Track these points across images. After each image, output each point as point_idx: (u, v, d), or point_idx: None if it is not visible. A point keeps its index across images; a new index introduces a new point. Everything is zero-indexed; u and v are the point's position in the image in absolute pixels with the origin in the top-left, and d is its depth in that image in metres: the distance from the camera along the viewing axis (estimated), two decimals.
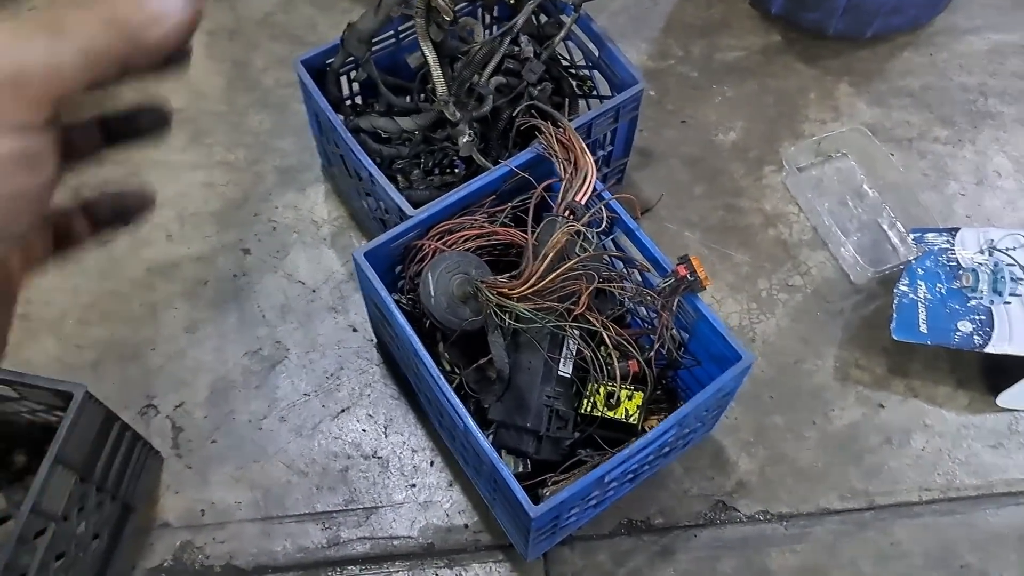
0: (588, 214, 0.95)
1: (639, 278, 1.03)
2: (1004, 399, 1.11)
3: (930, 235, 1.18)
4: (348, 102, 1.22)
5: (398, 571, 1.05)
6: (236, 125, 1.37)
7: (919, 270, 1.14)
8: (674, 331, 1.01)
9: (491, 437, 0.98)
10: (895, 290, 1.13)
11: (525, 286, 0.91)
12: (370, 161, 1.06)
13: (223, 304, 1.21)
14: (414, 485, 1.10)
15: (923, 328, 1.10)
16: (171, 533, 1.07)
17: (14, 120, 0.26)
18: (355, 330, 1.20)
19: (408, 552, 1.06)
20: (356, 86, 1.21)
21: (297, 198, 1.30)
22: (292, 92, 1.39)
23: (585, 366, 0.98)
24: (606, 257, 1.03)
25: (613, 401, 0.97)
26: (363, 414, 1.14)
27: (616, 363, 0.97)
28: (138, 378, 1.15)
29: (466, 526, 1.08)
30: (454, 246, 1.02)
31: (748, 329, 1.19)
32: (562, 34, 1.15)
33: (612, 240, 1.05)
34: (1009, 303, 1.09)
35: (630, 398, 0.97)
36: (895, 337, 1.09)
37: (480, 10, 1.23)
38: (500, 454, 0.98)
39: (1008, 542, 1.05)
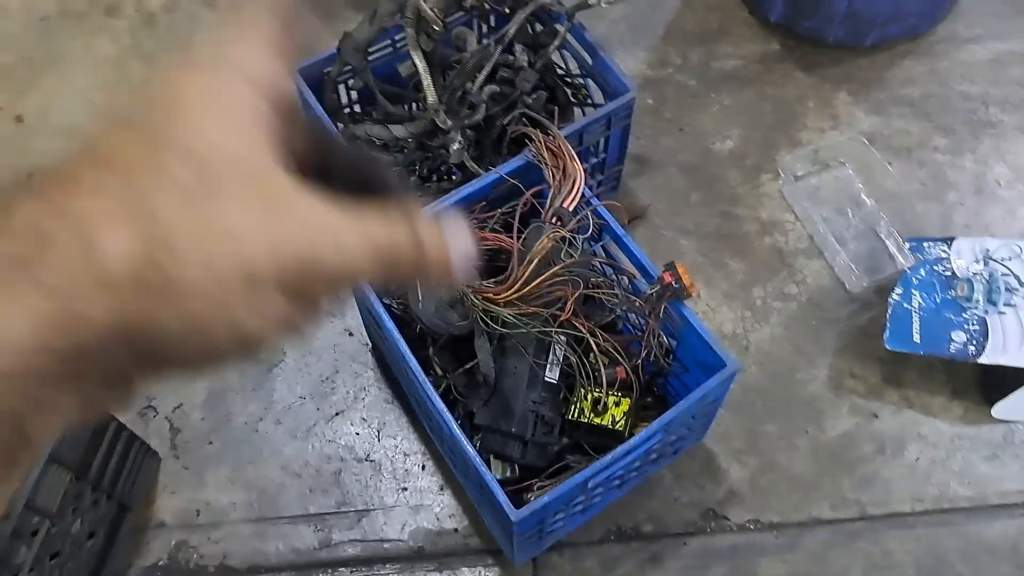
0: (574, 221, 0.96)
1: (629, 285, 1.04)
2: (999, 410, 1.10)
3: (926, 244, 1.17)
4: (347, 110, 1.24)
5: (388, 574, 1.06)
6: None
7: (914, 279, 1.14)
8: (663, 338, 1.01)
9: (478, 442, 0.99)
10: (889, 299, 1.13)
11: (510, 291, 0.92)
12: None
13: None
14: (406, 488, 1.11)
15: (917, 338, 1.09)
16: (167, 532, 1.09)
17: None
18: (351, 334, 1.21)
19: (399, 555, 1.07)
20: (355, 94, 1.23)
21: None
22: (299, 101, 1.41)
23: (572, 372, 0.98)
24: (596, 264, 1.04)
25: (600, 407, 0.97)
26: (357, 417, 1.16)
27: (603, 369, 0.97)
28: None
29: (456, 530, 1.09)
30: None
31: (742, 337, 1.19)
32: (556, 43, 1.16)
33: (602, 247, 1.06)
34: (1004, 313, 1.08)
35: (617, 404, 0.98)
36: (888, 346, 1.09)
37: (476, 20, 1.24)
38: (489, 459, 0.99)
39: (1002, 554, 1.04)
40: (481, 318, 0.94)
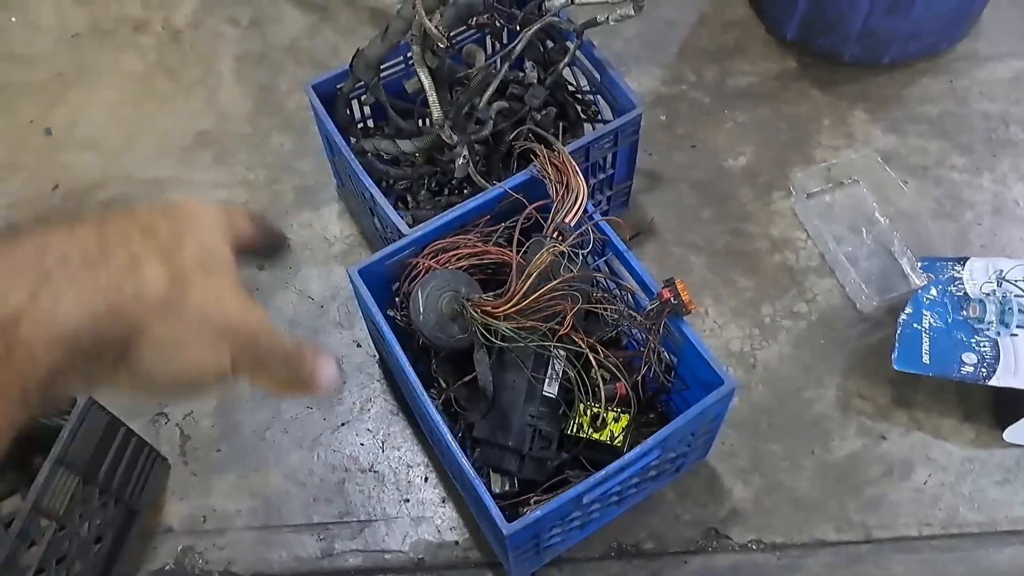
0: (574, 235, 0.96)
1: (631, 300, 1.04)
2: (1011, 434, 1.07)
3: (939, 264, 1.15)
4: (360, 125, 1.26)
5: None
6: (258, 146, 1.42)
7: (925, 299, 1.12)
8: (664, 355, 1.01)
9: (477, 455, 0.99)
10: (899, 319, 1.11)
11: (508, 305, 0.92)
12: (371, 181, 1.10)
13: None
14: (408, 500, 1.12)
15: (926, 359, 1.07)
16: (173, 538, 1.11)
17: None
18: (359, 345, 1.23)
19: (400, 566, 1.08)
20: (367, 110, 1.25)
21: (312, 216, 1.35)
22: (313, 115, 1.44)
23: (572, 387, 0.98)
24: (599, 279, 1.04)
25: (599, 423, 0.97)
26: (362, 428, 1.17)
27: (602, 385, 0.97)
28: None
29: (457, 543, 1.09)
30: (448, 265, 1.04)
31: (749, 355, 1.18)
32: (566, 60, 1.17)
33: (605, 262, 1.06)
34: (1016, 335, 1.06)
35: (617, 420, 0.97)
36: (896, 367, 1.07)
37: (488, 38, 1.26)
38: (488, 472, 0.99)
39: None
40: (480, 331, 0.95)
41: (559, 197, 1.03)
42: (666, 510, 1.08)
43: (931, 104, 1.39)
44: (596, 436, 0.97)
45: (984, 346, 1.06)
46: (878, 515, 1.06)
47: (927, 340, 1.09)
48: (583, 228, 0.99)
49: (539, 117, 1.17)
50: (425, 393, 0.94)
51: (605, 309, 0.99)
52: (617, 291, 1.04)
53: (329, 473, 1.13)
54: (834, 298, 1.22)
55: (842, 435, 1.12)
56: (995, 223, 1.26)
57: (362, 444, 1.16)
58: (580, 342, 0.96)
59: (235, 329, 0.37)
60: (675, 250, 1.28)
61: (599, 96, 1.22)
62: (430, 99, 1.06)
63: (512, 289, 0.93)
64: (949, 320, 1.10)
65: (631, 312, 0.99)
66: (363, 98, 1.23)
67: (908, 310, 1.11)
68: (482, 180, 1.13)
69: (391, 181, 1.22)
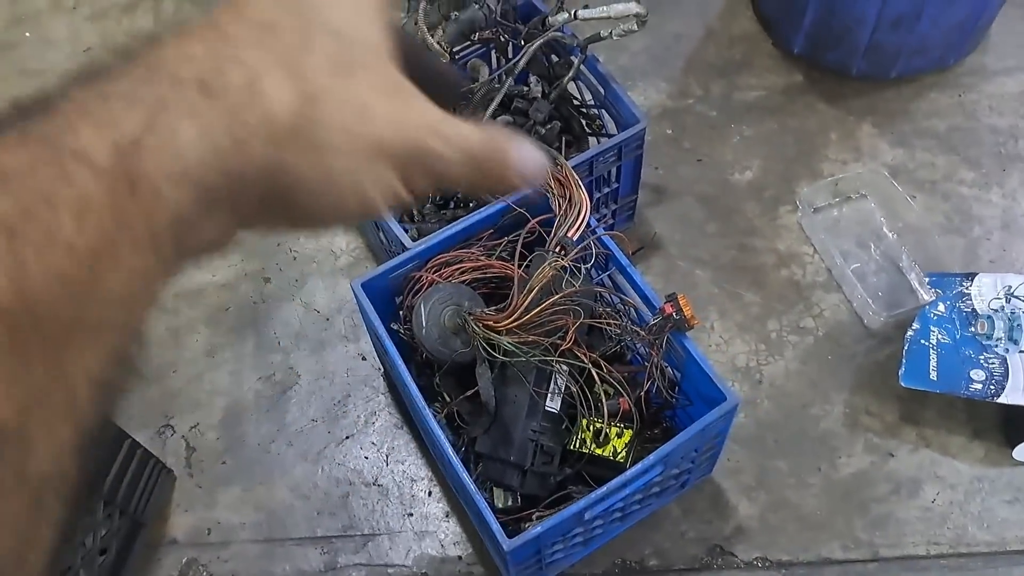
0: (576, 250, 0.96)
1: (635, 315, 1.03)
2: (1021, 452, 1.06)
3: (947, 279, 1.15)
4: None
5: None
6: None
7: (932, 315, 1.11)
8: (667, 370, 1.00)
9: (479, 469, 0.99)
10: (906, 335, 1.10)
11: (510, 319, 0.92)
12: None
13: (242, 330, 1.26)
14: (412, 514, 1.11)
15: (933, 375, 1.06)
16: (178, 550, 1.11)
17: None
18: (364, 358, 1.23)
19: None
20: None
21: None
22: None
23: (574, 402, 0.98)
24: (603, 294, 1.04)
25: (602, 438, 0.97)
26: (367, 441, 1.17)
27: (605, 400, 0.97)
28: (158, 399, 1.20)
29: (460, 558, 1.09)
30: (451, 278, 1.04)
31: (755, 371, 1.18)
32: (570, 75, 1.17)
33: (609, 277, 1.06)
34: None
35: (620, 436, 0.97)
36: (903, 383, 1.06)
37: (492, 52, 1.26)
38: (490, 487, 0.99)
39: None
40: (482, 346, 0.95)
41: (562, 211, 1.03)
42: (671, 526, 1.08)
43: (939, 118, 1.38)
44: (599, 451, 0.97)
45: (992, 363, 1.05)
46: (886, 533, 1.05)
47: (935, 356, 1.08)
48: (585, 243, 0.98)
49: (543, 131, 1.17)
50: (427, 407, 0.94)
51: (608, 324, 0.99)
52: (620, 306, 1.04)
53: (333, 486, 1.14)
54: (841, 313, 1.21)
55: (849, 452, 1.11)
56: (1004, 238, 1.25)
57: (366, 457, 1.16)
58: (582, 357, 0.96)
59: (391, 144, 0.29)
60: (681, 264, 1.27)
61: (603, 110, 1.23)
62: None
63: (514, 303, 0.93)
64: (957, 336, 1.09)
65: (634, 327, 0.99)
66: None
67: (916, 326, 1.10)
68: (486, 195, 1.14)
69: None
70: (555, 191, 1.05)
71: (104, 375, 0.24)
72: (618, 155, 1.15)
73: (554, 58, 1.22)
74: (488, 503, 0.88)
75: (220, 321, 1.27)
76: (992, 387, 1.03)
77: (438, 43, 1.01)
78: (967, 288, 1.13)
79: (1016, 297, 1.08)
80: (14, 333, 0.22)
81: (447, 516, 1.11)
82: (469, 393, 0.99)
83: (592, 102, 1.24)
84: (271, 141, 0.27)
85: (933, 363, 1.07)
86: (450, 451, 0.89)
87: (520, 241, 1.00)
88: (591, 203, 1.02)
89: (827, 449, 1.11)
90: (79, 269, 0.23)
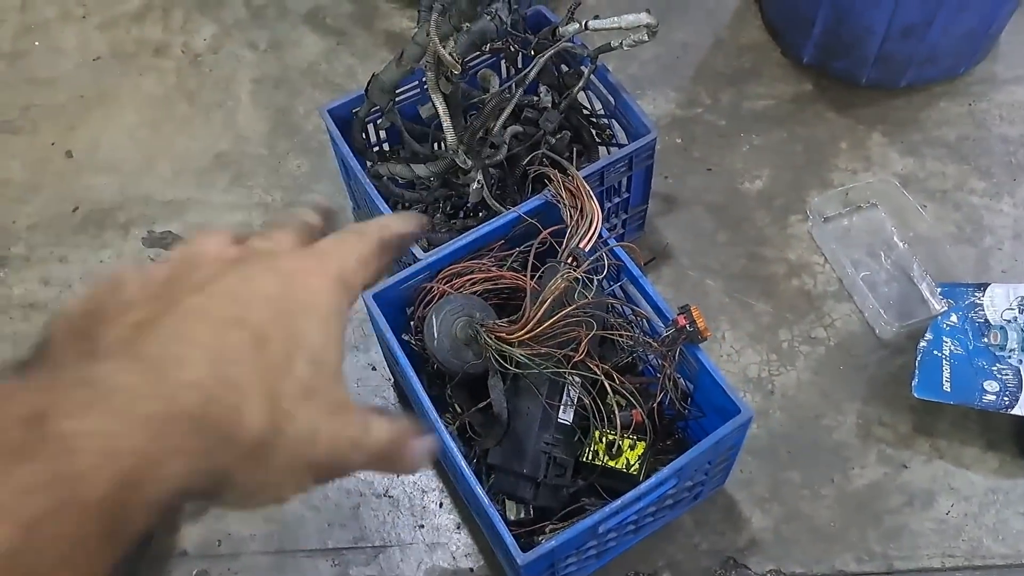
0: (588, 261, 0.96)
1: (647, 326, 1.03)
2: None
3: (959, 290, 1.14)
4: (376, 148, 1.26)
5: None
6: (275, 168, 1.43)
7: (945, 325, 1.11)
8: (680, 381, 1.00)
9: (491, 481, 0.99)
10: (918, 346, 1.10)
11: (523, 331, 0.92)
12: (386, 206, 1.10)
13: None
14: (423, 526, 1.11)
15: (947, 387, 1.06)
16: (188, 562, 1.10)
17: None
18: (374, 368, 1.23)
19: None
20: (383, 134, 1.25)
21: None
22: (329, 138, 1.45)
23: (587, 414, 0.98)
24: (615, 305, 1.04)
25: (615, 450, 0.96)
26: None
27: (617, 412, 0.97)
28: None
29: (472, 570, 1.08)
30: (462, 289, 1.04)
31: (767, 381, 1.17)
32: (580, 85, 1.17)
33: (620, 288, 1.05)
34: None
35: (632, 448, 0.97)
36: (916, 394, 1.06)
37: (503, 62, 1.26)
38: (502, 499, 0.99)
39: None
40: (494, 357, 0.94)
41: (573, 222, 1.02)
42: (684, 538, 1.07)
43: (949, 127, 1.38)
44: (612, 464, 0.96)
45: (1006, 374, 1.05)
46: (900, 546, 1.04)
47: (948, 367, 1.07)
48: (598, 254, 0.98)
49: (553, 141, 1.17)
50: (439, 419, 0.93)
51: (620, 335, 0.99)
52: (632, 317, 1.04)
53: (344, 498, 1.13)
54: (853, 324, 1.21)
55: (862, 463, 1.10)
56: (1016, 248, 1.25)
57: None
58: (595, 368, 0.95)
59: (323, 462, 0.33)
60: (691, 274, 1.27)
61: (614, 120, 1.22)
62: (444, 124, 1.07)
63: (526, 315, 0.93)
64: (970, 347, 1.09)
65: (646, 339, 0.98)
66: (379, 122, 1.23)
67: (928, 336, 1.10)
68: (497, 204, 1.13)
69: (407, 204, 1.22)
70: (567, 202, 1.05)
71: None
72: (629, 165, 1.15)
73: (564, 68, 1.22)
74: (501, 516, 0.87)
75: None
76: (1006, 398, 1.03)
77: (450, 54, 1.01)
78: (979, 299, 1.12)
79: None
80: None
81: (458, 528, 1.10)
82: (482, 405, 0.99)
83: (602, 112, 1.24)
84: (233, 458, 0.29)
85: (946, 374, 1.07)
86: (463, 464, 0.89)
87: (532, 252, 1.00)
88: (602, 214, 1.02)
89: (840, 460, 1.11)
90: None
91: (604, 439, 0.97)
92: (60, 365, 0.30)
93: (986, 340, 1.08)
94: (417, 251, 1.06)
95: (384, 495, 1.13)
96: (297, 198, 1.40)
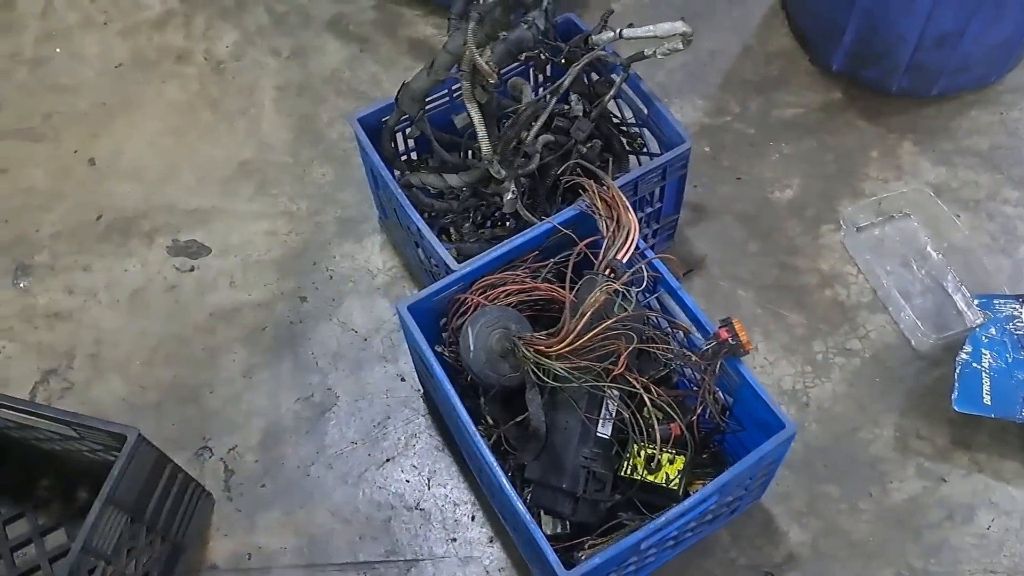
0: (628, 273, 0.95)
1: (683, 338, 1.02)
2: None
3: (996, 301, 1.13)
4: (404, 157, 1.25)
5: None
6: (300, 177, 1.42)
7: (983, 338, 1.09)
8: (719, 395, 0.99)
9: (528, 496, 0.97)
10: (957, 358, 1.08)
11: (562, 344, 0.91)
12: (418, 216, 1.09)
13: (279, 350, 1.25)
14: (455, 539, 1.10)
15: (987, 400, 1.04)
16: (218, 575, 1.09)
17: None
18: (403, 379, 1.22)
19: None
20: (412, 142, 1.24)
21: (354, 248, 1.34)
22: (355, 146, 1.43)
23: (625, 427, 0.96)
24: (650, 317, 1.02)
25: (654, 464, 0.95)
26: (408, 464, 1.15)
27: (657, 426, 0.95)
28: (196, 420, 1.19)
29: None
30: (496, 301, 1.03)
31: (802, 393, 1.16)
32: (611, 93, 1.16)
33: (656, 299, 1.04)
34: None
35: (671, 462, 0.95)
36: (956, 408, 1.05)
37: (531, 71, 1.25)
38: (539, 514, 0.97)
39: None
40: (532, 370, 0.93)
41: (610, 233, 1.01)
42: (721, 553, 1.06)
43: (981, 136, 1.36)
44: (651, 478, 0.95)
45: None
46: (940, 561, 1.03)
47: (987, 380, 1.06)
48: (637, 266, 0.97)
49: (584, 150, 1.16)
50: (478, 433, 0.92)
51: (659, 349, 0.97)
52: (668, 329, 1.02)
53: (375, 510, 1.12)
54: (888, 335, 1.19)
55: (900, 477, 1.09)
56: None
57: (407, 481, 1.14)
58: (634, 382, 0.94)
59: None
60: (723, 284, 1.26)
61: (645, 128, 1.21)
62: (479, 134, 1.06)
63: (566, 328, 0.92)
64: (1010, 360, 1.07)
65: (686, 352, 0.97)
66: (408, 131, 1.22)
67: (967, 349, 1.08)
68: (529, 215, 1.12)
69: (435, 213, 1.21)
70: (602, 212, 1.03)
71: None
72: (662, 175, 1.14)
73: (594, 76, 1.21)
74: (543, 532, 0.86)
75: (257, 341, 1.26)
76: None
77: (486, 63, 1.00)
78: (1018, 310, 1.11)
79: None
80: None
81: (491, 541, 1.09)
82: (520, 419, 0.97)
83: (632, 120, 1.23)
84: None
85: (986, 387, 1.05)
86: (504, 479, 0.88)
87: (571, 265, 0.99)
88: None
89: (878, 474, 1.09)
90: None
91: (643, 453, 0.95)
92: None
93: None
94: (451, 262, 1.05)
95: (415, 508, 1.12)
96: (322, 207, 1.39)
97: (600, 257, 0.99)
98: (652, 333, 1.00)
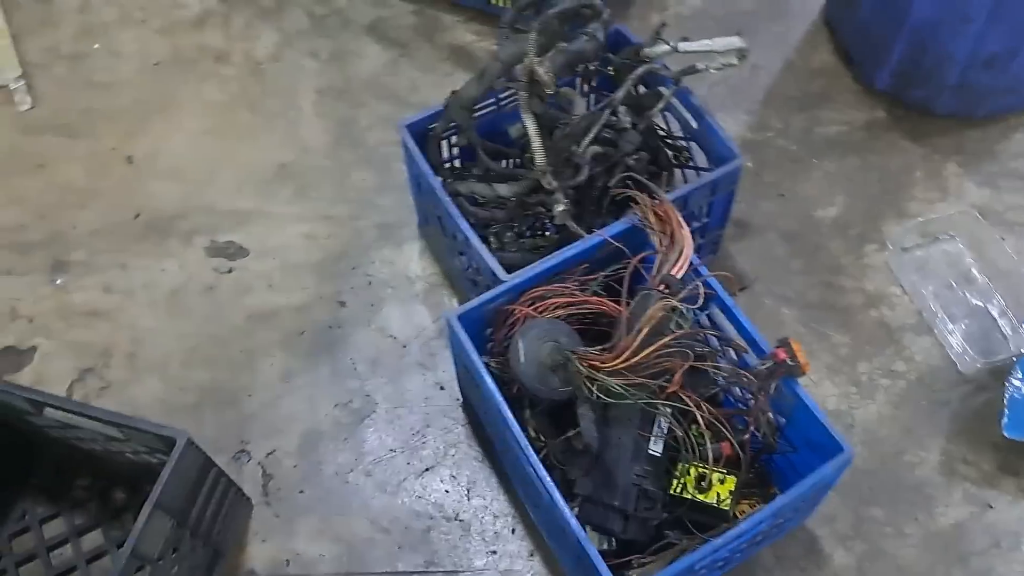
0: (686, 290, 0.94)
1: (733, 356, 1.01)
2: None
3: None
4: (447, 165, 1.25)
5: None
6: (340, 181, 1.42)
7: None
8: (771, 415, 0.98)
9: (575, 511, 0.96)
10: (1007, 384, 1.07)
11: (618, 360, 0.90)
12: (467, 224, 1.09)
13: (317, 355, 1.24)
14: (495, 552, 1.09)
15: None
16: None
17: None
18: (442, 388, 1.21)
19: None
20: (456, 149, 1.24)
21: (393, 254, 1.34)
22: (394, 151, 1.43)
23: (675, 445, 0.96)
24: (706, 335, 1.01)
25: (704, 484, 0.94)
26: (447, 474, 1.14)
27: (709, 444, 0.95)
28: (234, 423, 1.18)
29: None
30: (544, 312, 1.02)
31: (846, 414, 1.15)
32: (660, 105, 1.15)
33: (707, 316, 1.03)
34: None
35: (722, 482, 0.94)
36: (1006, 435, 1.04)
37: (578, 81, 1.25)
38: (585, 530, 0.96)
39: None
40: (585, 386, 0.92)
41: (663, 248, 1.01)
42: (763, 574, 1.05)
43: None
44: (702, 498, 0.94)
45: None
46: None
47: None
48: (694, 283, 0.96)
49: (631, 162, 1.15)
50: (531, 447, 0.91)
51: (714, 367, 0.97)
52: (721, 347, 1.01)
53: (414, 520, 1.11)
54: (933, 357, 1.18)
55: (946, 502, 1.08)
56: None
57: (447, 491, 1.13)
58: (688, 400, 0.93)
59: None
60: (766, 302, 1.25)
61: (693, 142, 1.21)
62: (534, 144, 1.05)
63: (622, 343, 0.91)
64: None
65: (742, 371, 0.96)
66: (453, 139, 1.22)
67: (1018, 375, 1.07)
68: (577, 228, 1.11)
69: (478, 222, 1.20)
70: (655, 227, 1.03)
71: None
72: (712, 190, 1.13)
73: (641, 88, 1.21)
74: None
75: (295, 345, 1.25)
76: None
77: (545, 74, 0.99)
78: None
79: None
80: None
81: (531, 555, 1.08)
82: (572, 434, 0.96)
83: (679, 134, 1.22)
84: None
85: None
86: (557, 493, 0.87)
87: (627, 280, 0.98)
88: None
89: (923, 498, 1.08)
90: None
91: (693, 472, 0.94)
92: None
93: None
94: (500, 272, 1.04)
95: (455, 518, 1.11)
96: (362, 212, 1.38)
97: (654, 272, 0.99)
98: (703, 350, 1.00)
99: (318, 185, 1.41)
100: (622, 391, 0.90)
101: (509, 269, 1.04)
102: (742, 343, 0.97)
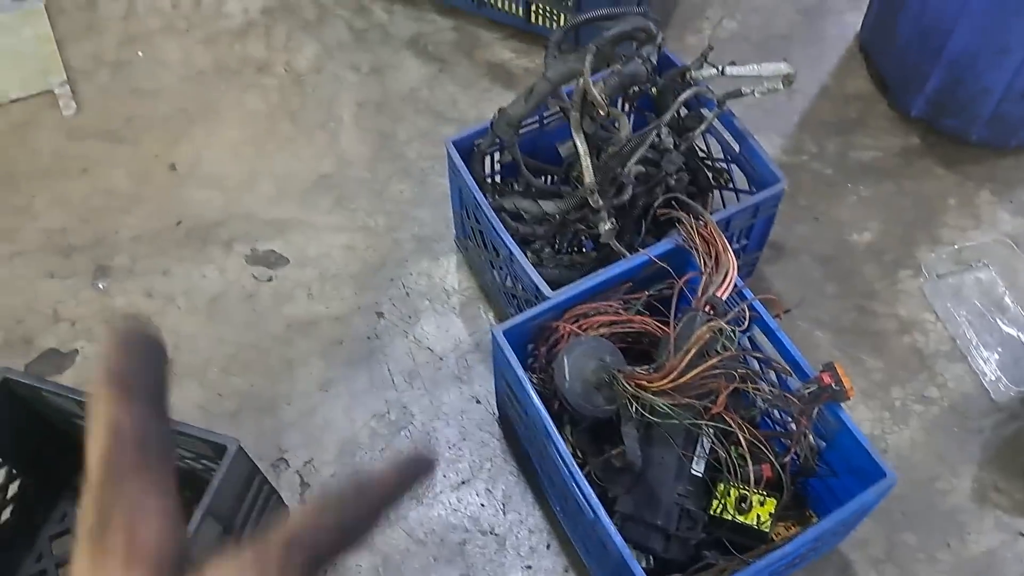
0: (733, 312, 0.95)
1: (774, 378, 1.02)
2: None
3: None
4: (488, 180, 1.26)
5: None
6: (379, 192, 1.44)
7: None
8: (811, 438, 0.99)
9: (616, 529, 0.97)
10: None
11: (665, 380, 0.91)
12: (511, 240, 1.10)
13: (355, 365, 1.26)
14: (530, 567, 1.10)
15: None
16: None
17: None
18: (478, 402, 1.22)
19: None
20: (498, 165, 1.26)
21: (431, 266, 1.35)
22: (432, 165, 1.45)
23: (716, 466, 0.97)
24: (748, 357, 1.03)
25: (745, 505, 0.95)
26: (482, 488, 1.16)
27: (750, 466, 0.96)
28: (273, 431, 1.20)
29: None
30: (588, 330, 1.03)
31: (880, 439, 1.16)
32: (703, 127, 1.17)
33: (748, 338, 1.05)
34: None
35: (762, 504, 0.95)
36: None
37: (620, 100, 1.26)
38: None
39: None
40: (630, 404, 0.93)
41: (708, 270, 1.02)
42: None
43: None
44: (742, 519, 0.95)
45: None
46: None
47: None
48: (741, 306, 0.98)
49: (672, 182, 1.17)
50: (575, 464, 0.92)
51: (757, 390, 0.98)
52: (762, 369, 1.03)
53: (449, 532, 1.12)
54: (966, 385, 1.19)
55: (979, 529, 1.09)
56: None
57: (482, 505, 1.14)
58: (731, 421, 0.95)
59: None
60: (800, 324, 1.26)
61: (734, 165, 1.22)
62: (584, 164, 1.07)
63: (669, 364, 0.92)
64: None
65: (786, 394, 0.97)
66: (499, 156, 1.24)
67: None
68: (620, 247, 1.13)
69: (516, 237, 1.22)
70: (700, 248, 1.04)
71: None
72: (754, 213, 1.14)
73: (683, 110, 1.22)
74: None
75: (334, 354, 1.27)
76: None
77: (599, 95, 1.01)
78: None
79: None
80: None
81: (566, 571, 1.09)
82: (615, 452, 0.98)
83: (720, 156, 1.24)
84: None
85: None
86: (602, 511, 0.88)
87: (674, 300, 0.99)
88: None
89: (955, 525, 1.09)
90: None
91: (733, 493, 0.96)
92: None
93: None
94: (545, 288, 1.06)
95: (490, 532, 1.12)
96: (400, 224, 1.40)
97: (699, 293, 1.00)
98: (746, 372, 1.01)
99: (357, 196, 1.43)
100: (668, 411, 0.92)
101: (550, 287, 1.06)
102: (786, 366, 0.99)
